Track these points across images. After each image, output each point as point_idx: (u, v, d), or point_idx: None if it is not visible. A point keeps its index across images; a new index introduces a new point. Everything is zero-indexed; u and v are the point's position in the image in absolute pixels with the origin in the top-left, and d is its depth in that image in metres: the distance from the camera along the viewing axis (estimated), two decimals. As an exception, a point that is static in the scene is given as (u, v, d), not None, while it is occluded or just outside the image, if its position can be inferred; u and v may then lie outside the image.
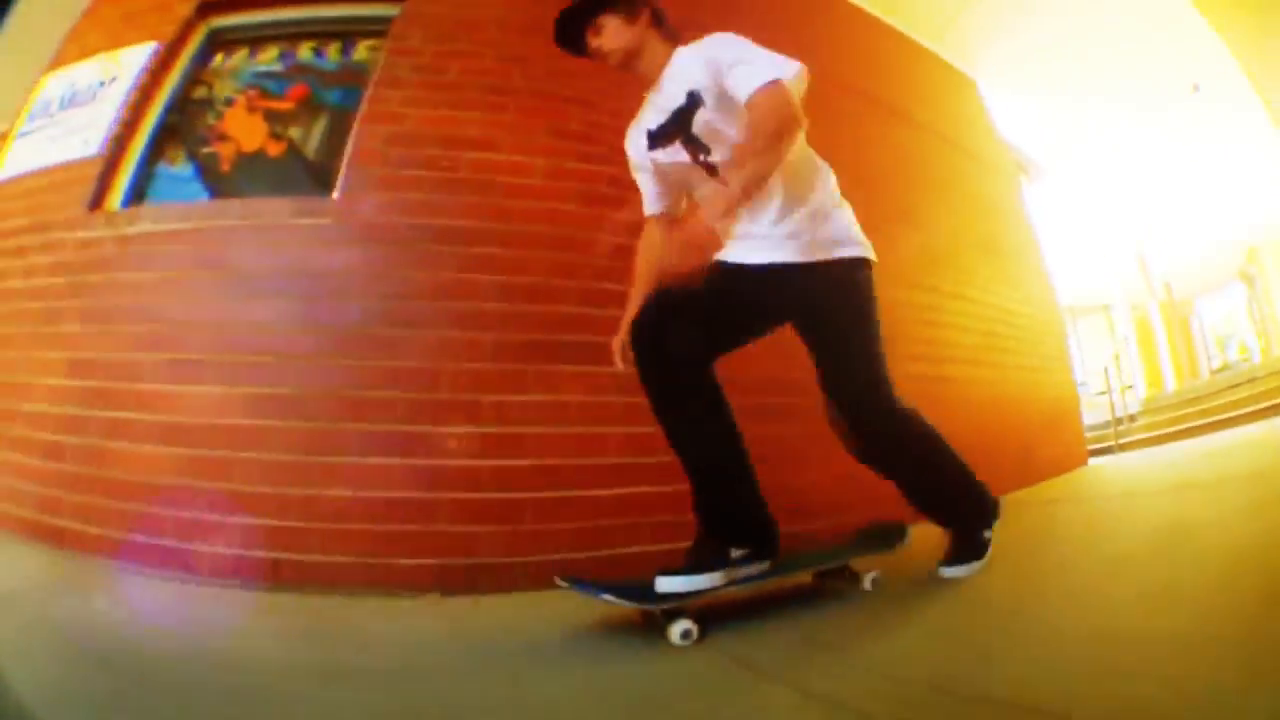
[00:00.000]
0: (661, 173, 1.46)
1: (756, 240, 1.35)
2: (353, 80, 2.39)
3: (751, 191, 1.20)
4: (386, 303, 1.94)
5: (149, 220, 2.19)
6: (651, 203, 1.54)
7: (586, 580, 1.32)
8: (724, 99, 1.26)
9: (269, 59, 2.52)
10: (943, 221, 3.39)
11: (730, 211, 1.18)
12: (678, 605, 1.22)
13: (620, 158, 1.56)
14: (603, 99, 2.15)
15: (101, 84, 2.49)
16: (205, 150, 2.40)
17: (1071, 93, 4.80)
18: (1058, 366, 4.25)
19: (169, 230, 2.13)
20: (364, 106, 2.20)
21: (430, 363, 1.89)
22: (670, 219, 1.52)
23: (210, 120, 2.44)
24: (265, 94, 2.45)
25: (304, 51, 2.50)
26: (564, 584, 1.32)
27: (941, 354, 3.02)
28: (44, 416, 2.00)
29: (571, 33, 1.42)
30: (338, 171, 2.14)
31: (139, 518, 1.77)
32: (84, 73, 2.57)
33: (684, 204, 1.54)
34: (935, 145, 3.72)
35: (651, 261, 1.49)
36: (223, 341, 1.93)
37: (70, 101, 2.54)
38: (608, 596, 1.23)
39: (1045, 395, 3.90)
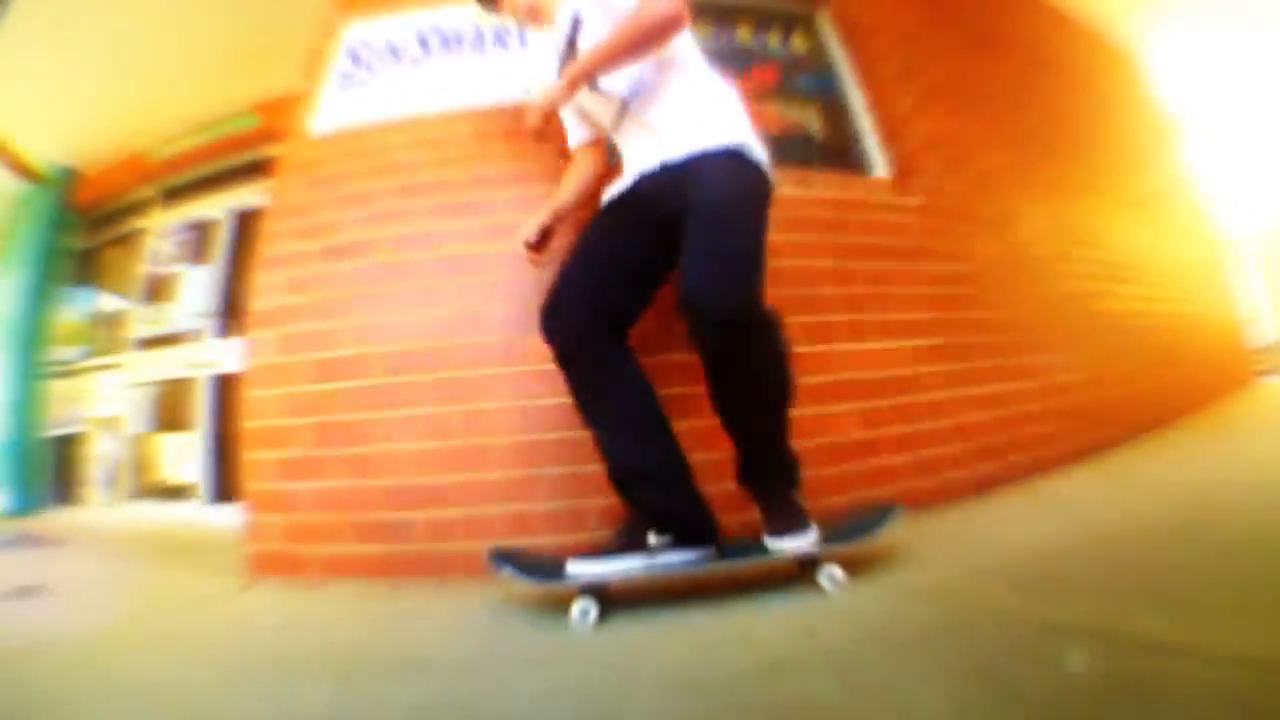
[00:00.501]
0: (568, 108, 1.46)
1: (644, 144, 1.34)
2: (815, 68, 2.61)
3: (600, 62, 1.20)
4: (954, 265, 2.35)
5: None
6: (571, 137, 1.56)
7: (507, 557, 1.33)
8: (610, 12, 1.26)
9: (703, 33, 2.50)
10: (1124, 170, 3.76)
11: (572, 79, 1.20)
12: (592, 586, 1.24)
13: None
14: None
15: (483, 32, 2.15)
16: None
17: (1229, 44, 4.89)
18: (1223, 297, 4.74)
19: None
20: (866, 96, 2.53)
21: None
22: (595, 144, 1.55)
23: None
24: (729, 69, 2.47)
25: (743, 33, 2.60)
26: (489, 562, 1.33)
27: (1121, 289, 3.18)
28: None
29: None
30: (852, 153, 2.48)
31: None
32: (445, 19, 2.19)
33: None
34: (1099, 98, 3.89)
35: (575, 180, 1.53)
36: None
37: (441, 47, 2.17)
38: (509, 570, 1.27)
39: (1216, 322, 4.30)
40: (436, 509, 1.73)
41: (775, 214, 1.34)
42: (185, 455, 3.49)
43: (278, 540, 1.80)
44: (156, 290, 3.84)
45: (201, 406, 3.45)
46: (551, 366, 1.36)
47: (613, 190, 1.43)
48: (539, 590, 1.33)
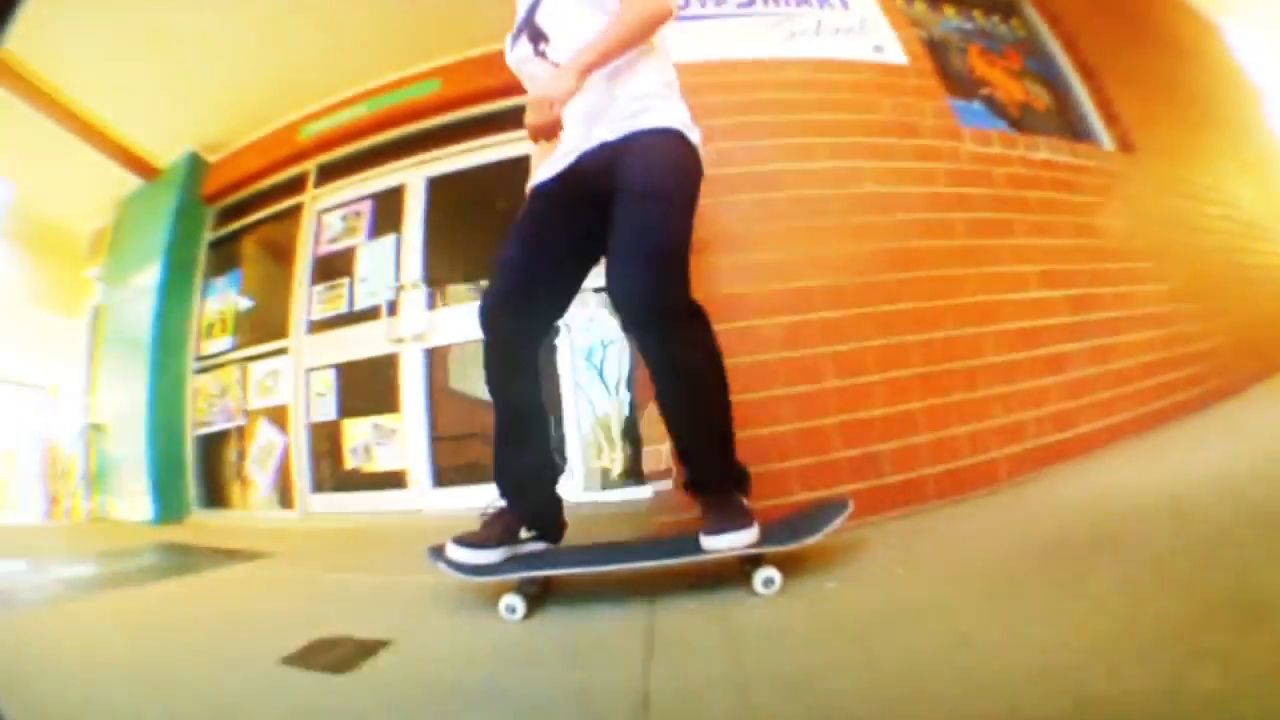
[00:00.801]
0: (523, 73, 1.45)
1: (585, 123, 1.31)
2: (1036, 52, 2.97)
3: (607, 53, 1.23)
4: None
5: (1027, 148, 2.42)
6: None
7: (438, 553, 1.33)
8: None
9: (952, 13, 2.80)
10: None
11: (582, 70, 1.20)
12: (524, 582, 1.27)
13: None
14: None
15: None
16: (983, 91, 2.68)
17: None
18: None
19: (1066, 162, 2.51)
20: (1080, 77, 2.92)
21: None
22: None
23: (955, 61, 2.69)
24: (988, 50, 2.82)
25: (979, 15, 2.89)
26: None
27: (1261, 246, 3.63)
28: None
29: None
30: (1076, 125, 2.87)
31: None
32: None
33: None
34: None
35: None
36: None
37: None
38: (441, 565, 1.29)
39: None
40: (900, 439, 1.79)
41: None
42: (382, 440, 3.36)
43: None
44: (329, 268, 3.64)
45: (408, 384, 3.32)
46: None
47: (546, 172, 1.39)
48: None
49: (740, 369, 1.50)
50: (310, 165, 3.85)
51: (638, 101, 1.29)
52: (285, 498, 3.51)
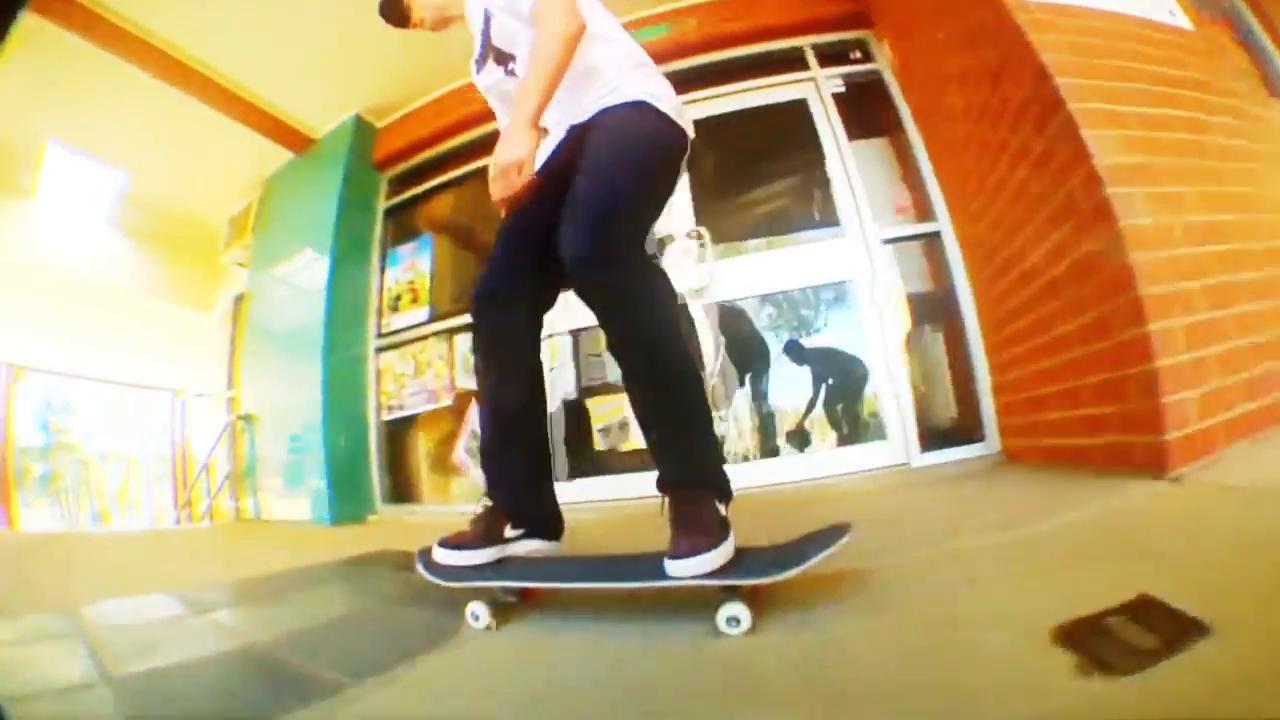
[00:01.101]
0: (496, 95, 1.48)
1: (557, 115, 1.37)
2: None
3: (539, 101, 1.20)
4: None
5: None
6: (501, 120, 1.52)
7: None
8: (513, 8, 1.30)
9: None
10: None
11: (528, 125, 1.19)
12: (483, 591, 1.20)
13: None
14: None
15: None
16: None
17: None
18: None
19: None
20: None
21: None
22: None
23: None
24: None
25: None
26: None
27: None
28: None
29: (394, 13, 1.51)
30: None
31: None
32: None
33: None
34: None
35: None
36: None
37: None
38: (421, 571, 1.27)
39: None
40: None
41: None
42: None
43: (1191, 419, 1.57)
44: None
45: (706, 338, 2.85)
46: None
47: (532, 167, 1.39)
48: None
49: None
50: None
51: (605, 87, 1.31)
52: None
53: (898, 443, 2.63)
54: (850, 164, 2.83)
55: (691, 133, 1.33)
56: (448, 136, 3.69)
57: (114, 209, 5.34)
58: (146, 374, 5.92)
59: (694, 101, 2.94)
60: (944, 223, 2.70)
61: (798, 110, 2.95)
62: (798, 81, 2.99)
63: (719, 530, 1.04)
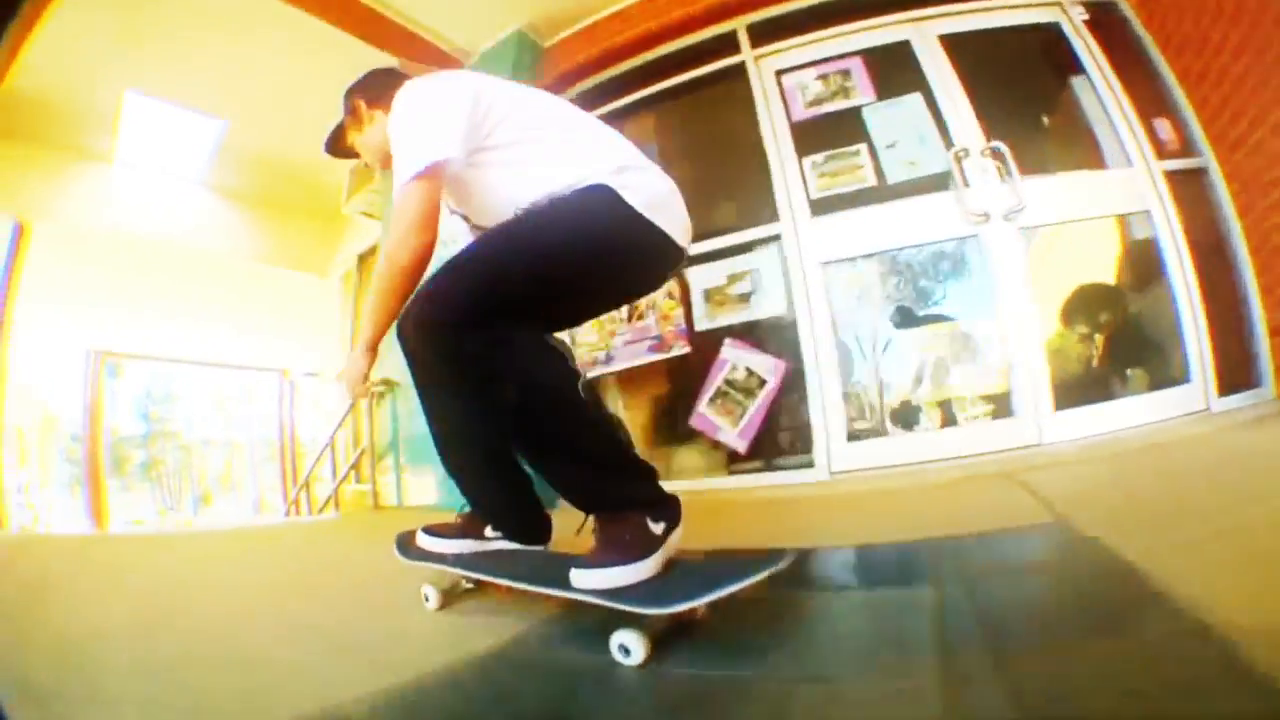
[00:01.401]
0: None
1: None
2: None
3: (374, 331, 1.18)
4: None
5: None
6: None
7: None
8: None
9: None
10: None
11: (366, 343, 1.20)
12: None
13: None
14: None
15: None
16: None
17: None
18: None
19: None
20: None
21: None
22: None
23: None
24: None
25: None
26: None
27: None
28: None
29: (340, 147, 1.45)
30: None
31: None
32: None
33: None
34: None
35: None
36: None
37: None
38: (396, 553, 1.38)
39: None
40: None
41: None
42: (960, 354, 2.45)
43: None
44: (816, 136, 2.63)
45: (997, 275, 2.36)
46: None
47: None
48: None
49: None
50: (738, 23, 2.85)
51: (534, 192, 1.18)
52: (771, 451, 2.58)
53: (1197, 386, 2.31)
54: (1120, 92, 2.51)
55: (678, 237, 1.18)
56: (630, 54, 3.07)
57: (208, 166, 4.78)
58: (251, 351, 5.45)
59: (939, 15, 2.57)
60: (1207, 158, 2.47)
61: (1052, 33, 2.62)
62: (1045, 4, 2.64)
63: (639, 549, 1.00)
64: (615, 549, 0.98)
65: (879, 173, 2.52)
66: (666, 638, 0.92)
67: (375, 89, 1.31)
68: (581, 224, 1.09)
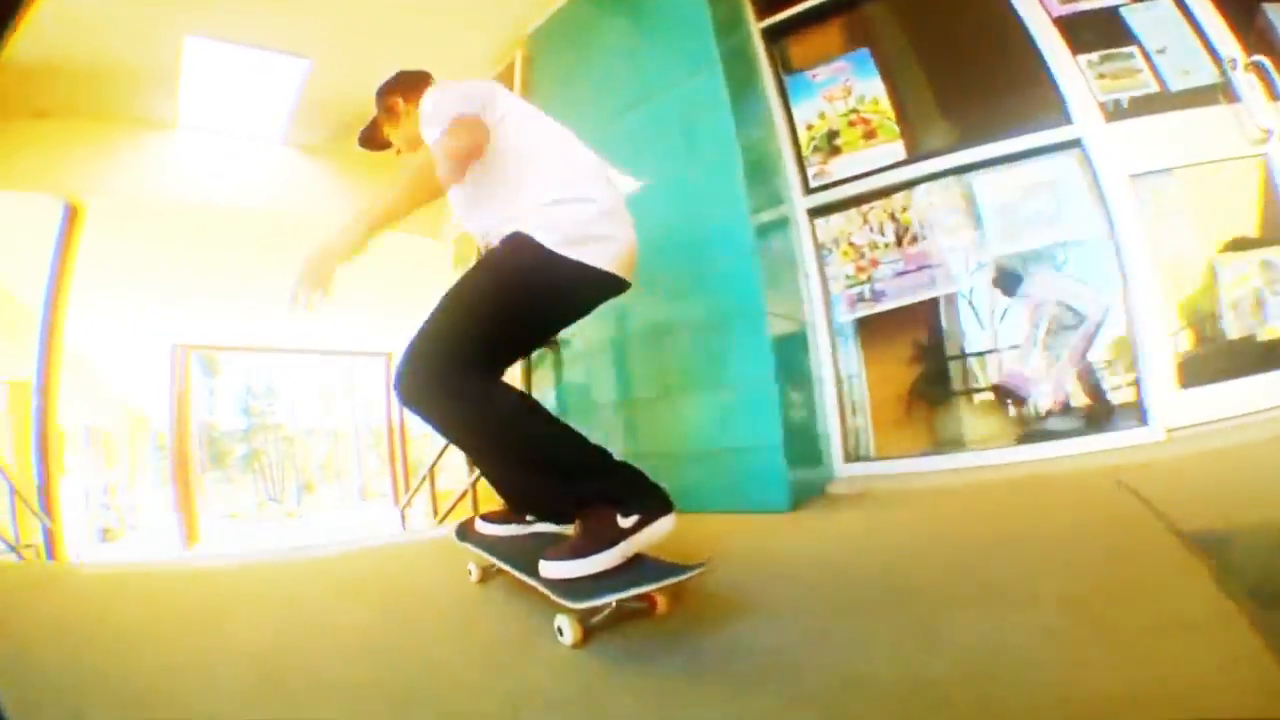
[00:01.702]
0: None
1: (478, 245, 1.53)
2: None
3: (377, 218, 1.22)
4: None
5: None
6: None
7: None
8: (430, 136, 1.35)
9: None
10: None
11: (356, 236, 1.22)
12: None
13: None
14: None
15: None
16: None
17: None
18: None
19: None
20: None
21: None
22: None
23: None
24: None
25: None
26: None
27: None
28: None
29: (376, 140, 1.63)
30: None
31: None
32: None
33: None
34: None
35: None
36: None
37: None
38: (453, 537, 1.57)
39: None
40: None
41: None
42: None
43: None
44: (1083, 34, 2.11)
45: None
46: None
47: None
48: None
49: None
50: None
51: (508, 223, 1.30)
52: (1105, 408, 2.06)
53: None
54: None
55: (604, 264, 1.26)
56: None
57: (289, 119, 4.17)
58: (354, 334, 4.99)
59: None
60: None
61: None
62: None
63: (602, 542, 1.09)
64: (579, 542, 1.10)
65: (1159, 78, 2.07)
66: (615, 624, 1.09)
67: (408, 87, 1.53)
68: (501, 273, 1.25)
